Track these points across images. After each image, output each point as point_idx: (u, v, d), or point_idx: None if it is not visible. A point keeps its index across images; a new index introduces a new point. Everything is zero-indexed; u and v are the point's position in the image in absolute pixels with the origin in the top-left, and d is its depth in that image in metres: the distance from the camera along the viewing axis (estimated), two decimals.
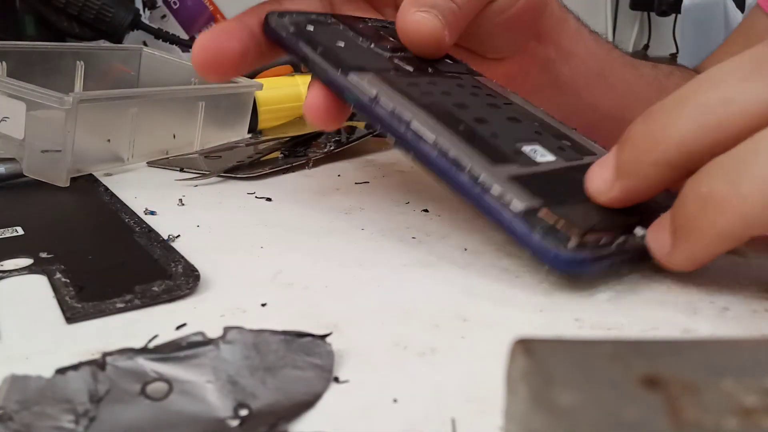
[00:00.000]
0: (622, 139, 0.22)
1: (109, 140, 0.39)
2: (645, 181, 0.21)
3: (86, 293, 0.22)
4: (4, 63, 0.40)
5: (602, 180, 0.22)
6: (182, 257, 0.25)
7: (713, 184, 0.19)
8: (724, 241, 0.19)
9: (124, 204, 0.32)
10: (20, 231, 0.28)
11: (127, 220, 0.29)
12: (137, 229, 0.28)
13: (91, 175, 0.37)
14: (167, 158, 0.42)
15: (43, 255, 0.25)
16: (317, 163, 0.42)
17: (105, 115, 0.38)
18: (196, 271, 0.23)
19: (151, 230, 0.28)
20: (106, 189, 0.35)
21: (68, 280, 0.23)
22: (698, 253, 0.20)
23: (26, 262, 0.25)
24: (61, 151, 0.33)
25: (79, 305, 0.21)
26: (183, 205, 0.33)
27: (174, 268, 0.23)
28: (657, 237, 0.21)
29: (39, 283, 0.23)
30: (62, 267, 0.24)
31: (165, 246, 0.26)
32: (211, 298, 0.22)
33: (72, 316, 0.20)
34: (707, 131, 0.19)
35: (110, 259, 0.25)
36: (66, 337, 0.19)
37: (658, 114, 0.21)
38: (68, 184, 0.34)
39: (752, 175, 0.18)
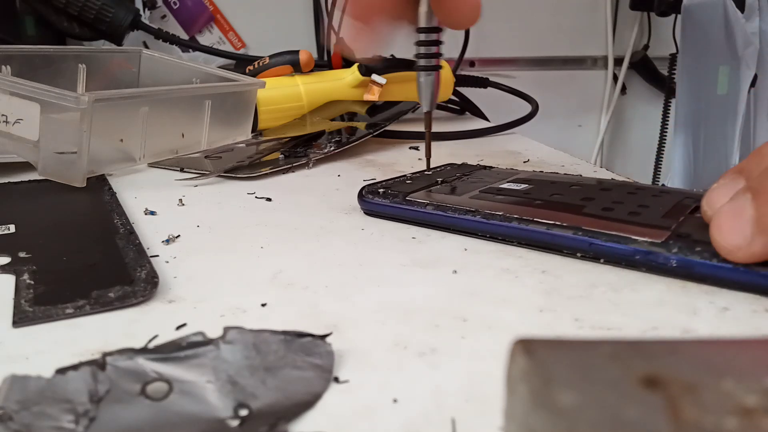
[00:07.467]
0: (756, 188, 0.21)
1: (122, 140, 0.38)
2: None
3: (44, 296, 0.21)
4: (8, 66, 0.40)
5: (741, 236, 0.21)
6: (149, 262, 0.24)
7: None
8: None
9: (120, 205, 0.32)
10: (12, 229, 0.28)
11: (115, 221, 0.29)
12: (121, 230, 0.27)
13: (102, 174, 0.37)
14: (171, 158, 0.42)
15: (22, 254, 0.25)
16: (317, 163, 0.42)
17: (117, 114, 0.37)
18: (156, 277, 0.22)
19: (132, 232, 0.27)
20: (110, 189, 0.35)
21: (32, 282, 0.22)
22: None
23: (4, 260, 0.24)
24: (76, 153, 0.33)
25: (30, 309, 0.20)
26: (183, 205, 0.33)
27: (138, 274, 0.23)
28: (732, 231, 0.21)
29: (7, 282, 0.23)
30: (33, 268, 0.23)
31: (139, 249, 0.25)
32: (211, 298, 0.22)
33: (19, 320, 0.20)
34: None
35: (83, 261, 0.24)
36: (60, 337, 0.19)
37: None
38: (85, 185, 0.34)
39: None
